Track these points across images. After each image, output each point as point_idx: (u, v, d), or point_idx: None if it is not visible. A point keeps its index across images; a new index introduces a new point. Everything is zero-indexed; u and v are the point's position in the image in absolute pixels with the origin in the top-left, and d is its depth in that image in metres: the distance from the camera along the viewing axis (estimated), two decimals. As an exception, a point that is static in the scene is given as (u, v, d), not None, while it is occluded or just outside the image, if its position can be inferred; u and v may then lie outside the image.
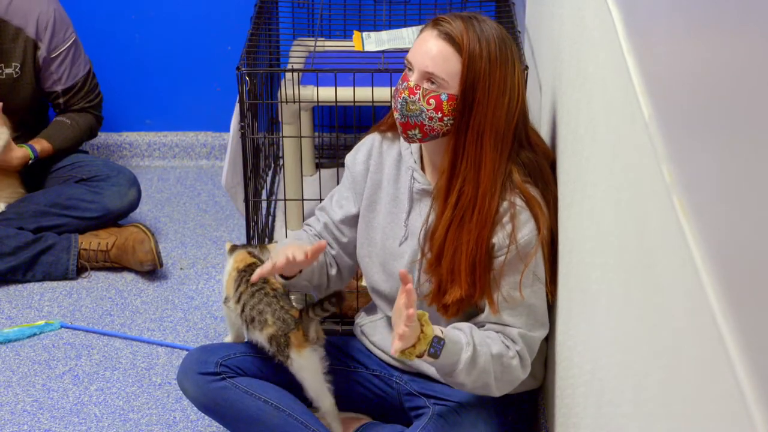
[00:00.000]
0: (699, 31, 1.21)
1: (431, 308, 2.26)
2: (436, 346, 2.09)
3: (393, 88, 2.27)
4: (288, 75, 2.89)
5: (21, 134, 3.41)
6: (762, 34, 0.96)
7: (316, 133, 3.73)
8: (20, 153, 3.34)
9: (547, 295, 2.23)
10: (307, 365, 2.36)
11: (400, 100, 2.19)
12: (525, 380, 2.26)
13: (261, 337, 2.37)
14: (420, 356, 2.10)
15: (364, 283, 2.53)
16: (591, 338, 1.81)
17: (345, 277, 2.49)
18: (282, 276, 2.33)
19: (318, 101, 2.80)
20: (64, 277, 3.32)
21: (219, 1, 3.85)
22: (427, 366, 2.34)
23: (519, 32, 2.91)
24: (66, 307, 3.21)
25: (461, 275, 2.19)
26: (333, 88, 2.71)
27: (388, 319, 2.42)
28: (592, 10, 1.93)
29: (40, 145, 3.40)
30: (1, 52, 3.34)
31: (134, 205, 3.48)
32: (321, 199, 2.66)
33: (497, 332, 2.21)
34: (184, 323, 3.14)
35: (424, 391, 2.39)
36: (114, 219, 3.43)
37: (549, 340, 2.32)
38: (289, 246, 2.25)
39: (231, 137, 2.80)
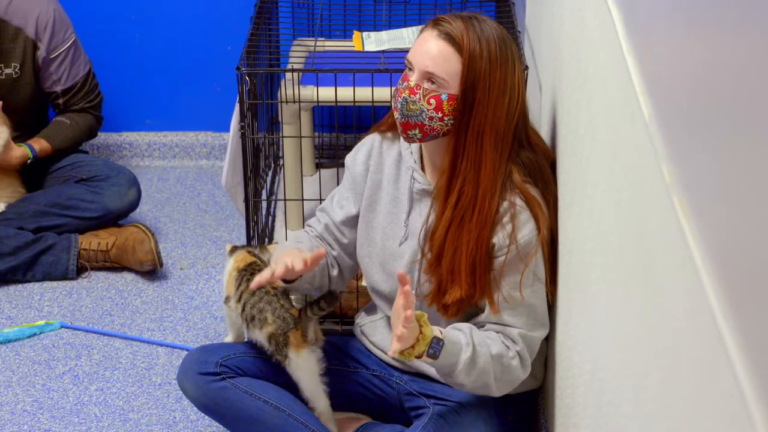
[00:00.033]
0: (699, 31, 1.21)
1: (431, 308, 2.26)
2: (435, 347, 2.09)
3: (393, 88, 2.27)
4: (288, 75, 2.89)
5: (20, 134, 3.42)
6: (762, 34, 0.96)
7: (316, 133, 3.73)
8: (19, 152, 3.34)
9: (547, 295, 2.23)
10: (305, 365, 2.36)
11: (400, 99, 2.19)
12: (525, 380, 2.26)
13: (260, 336, 2.37)
14: (419, 357, 2.10)
15: (364, 283, 2.53)
16: (591, 338, 1.81)
17: (346, 277, 2.49)
18: (283, 280, 2.33)
19: (318, 101, 2.80)
20: (64, 277, 3.32)
21: (219, 1, 3.85)
22: (427, 366, 2.34)
23: (519, 32, 2.91)
24: (66, 307, 3.21)
25: (461, 275, 2.19)
26: (333, 88, 2.71)
27: (388, 319, 2.42)
28: (592, 10, 1.93)
29: (39, 144, 3.40)
30: (1, 52, 3.33)
31: (134, 205, 3.48)
32: (321, 199, 2.66)
33: (497, 332, 2.21)
34: (184, 323, 3.14)
35: (424, 391, 2.39)
36: (114, 219, 3.43)
37: (549, 340, 2.32)
38: (288, 253, 2.25)
39: (231, 137, 2.80)
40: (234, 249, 2.54)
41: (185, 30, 3.90)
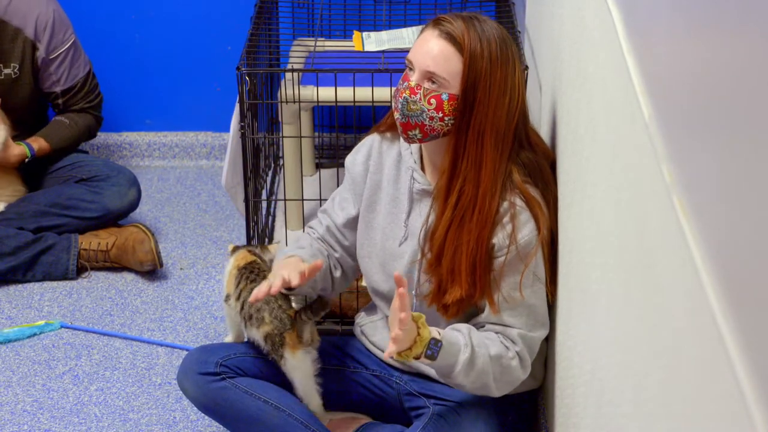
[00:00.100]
0: (699, 31, 1.21)
1: (431, 308, 2.26)
2: (433, 348, 2.10)
3: (393, 88, 2.27)
4: (288, 75, 2.89)
5: (20, 133, 3.41)
6: (762, 34, 0.96)
7: (316, 133, 3.73)
8: (17, 150, 3.34)
9: (547, 295, 2.23)
10: (300, 366, 2.36)
11: (400, 99, 2.19)
12: (525, 380, 2.26)
13: (257, 335, 2.38)
14: (417, 358, 2.10)
15: (364, 283, 2.53)
16: (591, 338, 1.81)
17: (350, 277, 2.50)
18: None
19: (318, 101, 2.80)
20: (64, 277, 3.32)
21: (219, 1, 3.85)
22: (426, 366, 2.34)
23: (519, 32, 2.91)
24: (66, 307, 3.21)
25: (461, 275, 2.19)
26: (333, 88, 2.71)
27: (388, 319, 2.42)
28: (592, 10, 1.93)
29: (38, 143, 3.40)
30: (0, 52, 3.34)
31: (134, 205, 3.48)
32: (321, 199, 2.66)
33: (497, 333, 2.21)
34: (184, 323, 3.14)
35: (423, 391, 2.39)
36: (114, 219, 3.43)
37: (549, 340, 2.32)
38: (286, 266, 2.25)
39: (231, 137, 2.80)
40: (236, 249, 2.56)
41: (185, 30, 3.90)
